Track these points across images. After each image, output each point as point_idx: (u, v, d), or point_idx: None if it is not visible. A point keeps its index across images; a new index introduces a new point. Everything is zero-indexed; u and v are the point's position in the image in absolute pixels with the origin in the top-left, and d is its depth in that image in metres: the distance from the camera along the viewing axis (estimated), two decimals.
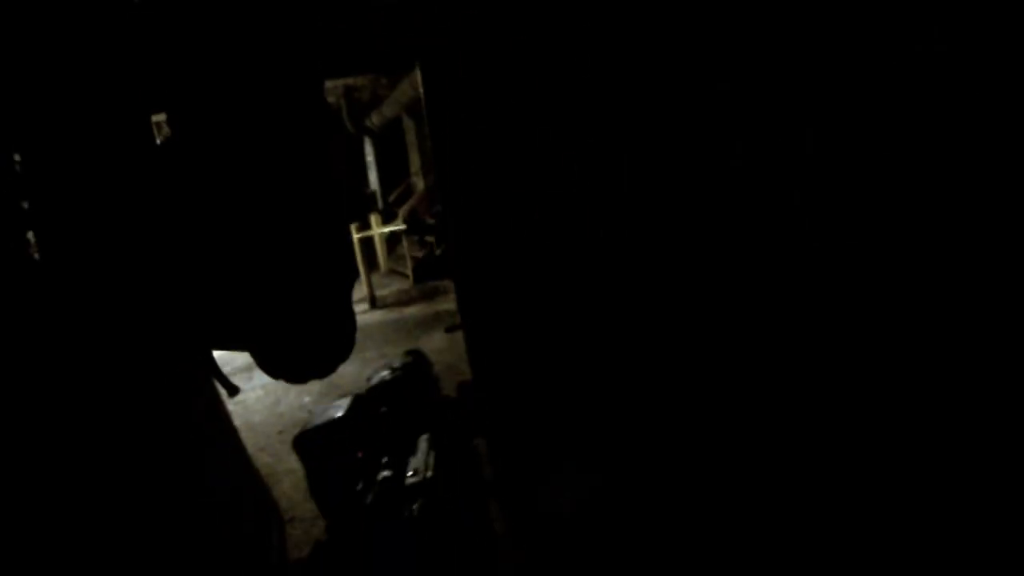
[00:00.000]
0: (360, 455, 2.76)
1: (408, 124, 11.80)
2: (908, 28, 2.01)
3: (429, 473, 2.61)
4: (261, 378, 5.67)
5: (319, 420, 2.75)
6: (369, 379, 3.24)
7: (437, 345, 6.22)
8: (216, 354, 1.00)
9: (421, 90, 3.03)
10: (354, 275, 0.96)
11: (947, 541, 2.03)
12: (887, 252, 2.13)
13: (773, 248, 2.34)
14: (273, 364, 0.93)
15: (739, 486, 2.47)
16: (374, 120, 11.33)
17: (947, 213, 1.98)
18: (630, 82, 2.42)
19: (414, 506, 2.49)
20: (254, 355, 0.92)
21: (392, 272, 10.67)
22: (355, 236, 8.32)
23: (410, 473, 2.65)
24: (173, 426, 0.95)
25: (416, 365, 3.27)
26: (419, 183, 11.55)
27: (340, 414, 2.81)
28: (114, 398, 0.87)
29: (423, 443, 2.81)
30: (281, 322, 0.88)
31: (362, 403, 2.89)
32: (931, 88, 1.99)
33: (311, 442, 2.65)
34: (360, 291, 8.58)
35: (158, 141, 0.82)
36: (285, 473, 3.73)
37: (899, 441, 2.16)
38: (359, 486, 2.56)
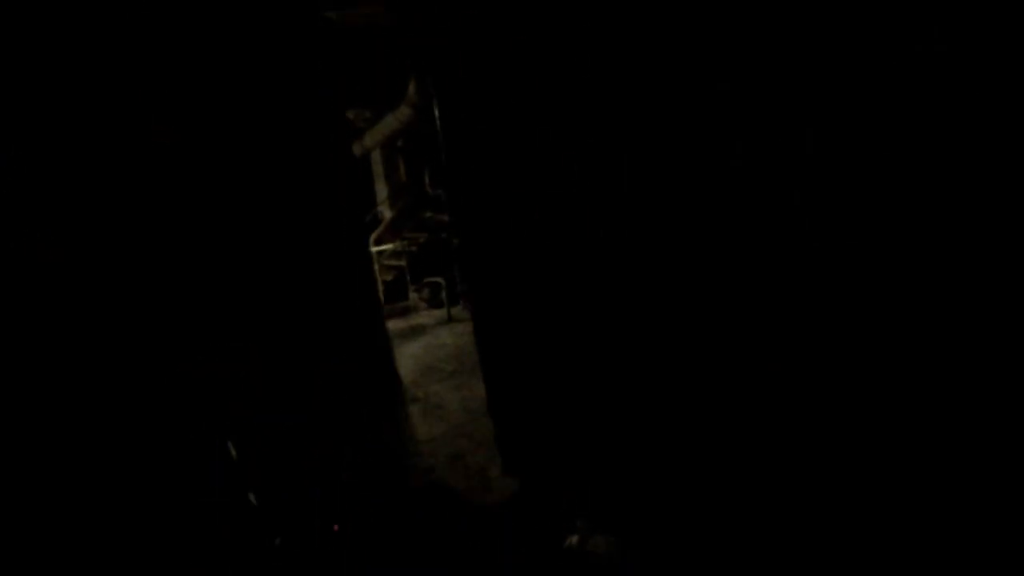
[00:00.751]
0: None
1: (376, 156, 11.96)
2: (908, 28, 2.06)
3: None
4: None
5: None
6: None
7: (413, 351, 7.05)
8: None
9: (436, 109, 3.01)
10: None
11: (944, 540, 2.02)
12: (888, 252, 2.15)
13: (773, 248, 2.34)
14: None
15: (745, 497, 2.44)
16: (355, 151, 11.49)
17: (948, 213, 2.02)
18: (630, 82, 2.43)
19: None
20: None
21: None
22: None
23: None
24: None
25: None
26: (386, 212, 11.67)
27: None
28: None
29: None
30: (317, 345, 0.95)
31: None
32: (931, 88, 2.04)
33: None
34: None
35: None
36: None
37: (904, 444, 2.15)
38: None
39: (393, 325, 8.69)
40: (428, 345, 7.18)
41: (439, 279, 8.67)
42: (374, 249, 9.56)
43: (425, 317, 8.74)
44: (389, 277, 9.94)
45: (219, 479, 1.79)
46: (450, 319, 8.04)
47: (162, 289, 1.82)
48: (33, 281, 1.51)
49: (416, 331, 8.00)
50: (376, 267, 9.91)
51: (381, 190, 12.13)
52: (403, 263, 10.04)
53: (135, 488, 1.65)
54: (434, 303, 9.17)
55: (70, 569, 1.46)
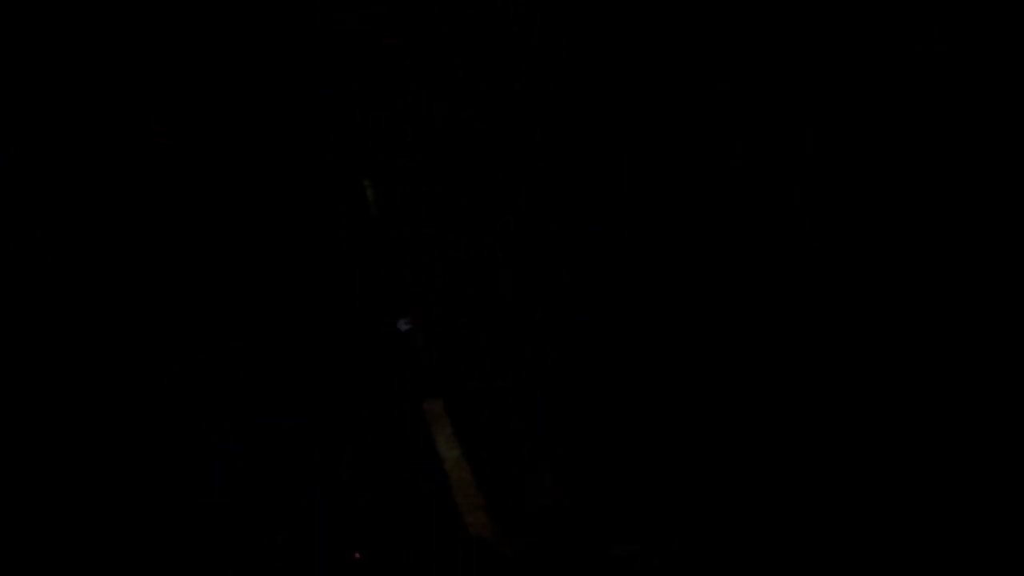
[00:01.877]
0: None
1: None
2: (908, 28, 2.06)
3: None
4: None
5: None
6: None
7: None
8: None
9: None
10: None
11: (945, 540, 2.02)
12: (887, 252, 2.15)
13: (773, 248, 2.34)
14: None
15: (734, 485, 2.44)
16: None
17: (947, 212, 2.01)
18: (631, 83, 2.43)
19: None
20: None
21: None
22: None
23: None
24: None
25: None
26: None
27: None
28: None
29: None
30: None
31: None
32: (931, 88, 2.04)
33: None
34: None
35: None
36: None
37: (904, 441, 2.15)
38: None
39: None
40: None
41: None
42: None
43: None
44: None
45: (219, 479, 1.79)
46: None
47: (162, 289, 1.82)
48: (33, 281, 1.51)
49: None
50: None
51: None
52: None
53: (135, 488, 1.65)
54: None
55: (70, 569, 1.46)
